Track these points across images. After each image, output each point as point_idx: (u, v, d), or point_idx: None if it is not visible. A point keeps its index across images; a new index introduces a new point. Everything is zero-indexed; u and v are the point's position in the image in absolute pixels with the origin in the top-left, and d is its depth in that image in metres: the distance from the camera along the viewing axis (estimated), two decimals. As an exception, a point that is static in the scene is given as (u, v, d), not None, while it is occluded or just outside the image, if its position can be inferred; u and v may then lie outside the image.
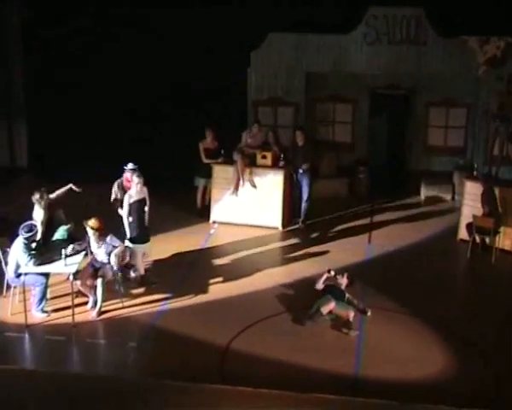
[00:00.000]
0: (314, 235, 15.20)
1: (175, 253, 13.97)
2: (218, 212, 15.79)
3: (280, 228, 15.49)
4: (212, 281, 12.77)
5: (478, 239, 14.15)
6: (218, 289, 12.46)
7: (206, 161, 15.90)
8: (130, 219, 12.20)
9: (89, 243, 11.64)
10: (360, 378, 9.85)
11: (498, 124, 14.84)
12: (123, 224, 12.29)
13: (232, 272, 13.13)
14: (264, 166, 15.54)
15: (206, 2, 17.21)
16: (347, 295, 11.43)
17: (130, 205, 12.20)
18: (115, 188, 13.16)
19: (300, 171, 15.53)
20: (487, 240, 14.06)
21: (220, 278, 12.91)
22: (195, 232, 15.26)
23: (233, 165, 15.50)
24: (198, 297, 12.11)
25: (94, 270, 11.46)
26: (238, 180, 15.47)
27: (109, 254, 11.43)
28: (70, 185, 12.76)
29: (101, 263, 11.50)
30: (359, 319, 11.18)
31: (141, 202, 12.31)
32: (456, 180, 17.38)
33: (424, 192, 17.69)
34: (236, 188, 15.51)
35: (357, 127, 19.06)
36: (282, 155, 15.52)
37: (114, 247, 11.53)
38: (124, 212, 12.27)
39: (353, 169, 18.31)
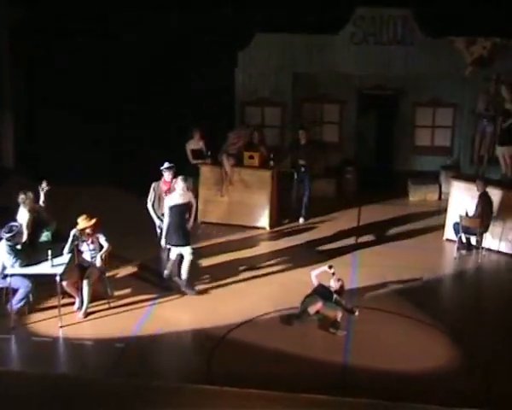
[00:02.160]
0: (302, 235, 15.20)
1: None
2: (205, 212, 15.77)
3: (267, 228, 15.49)
4: (199, 281, 12.75)
5: (464, 239, 14.21)
6: (204, 289, 12.45)
7: (193, 162, 15.87)
8: (168, 221, 11.97)
9: (77, 242, 11.53)
10: (348, 378, 9.87)
11: (485, 124, 14.89)
12: (155, 227, 12.34)
13: (219, 273, 13.11)
14: (252, 167, 15.55)
15: (193, 3, 17.18)
16: (335, 295, 11.44)
17: (171, 208, 11.94)
18: (152, 189, 12.75)
19: (303, 169, 15.69)
20: (473, 240, 14.12)
21: (207, 279, 12.89)
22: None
23: (220, 165, 15.51)
24: (185, 298, 12.10)
25: (81, 270, 11.42)
26: (225, 181, 15.48)
27: (97, 254, 11.40)
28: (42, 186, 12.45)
29: (89, 263, 11.45)
30: (347, 319, 11.19)
31: (182, 206, 12.06)
32: (442, 180, 17.43)
33: (411, 192, 17.72)
34: (223, 188, 15.51)
35: (345, 127, 19.08)
36: (271, 156, 15.54)
37: (102, 247, 11.49)
38: (165, 214, 12.07)
39: (341, 169, 18.33)
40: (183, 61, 17.66)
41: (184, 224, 12.13)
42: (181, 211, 12.02)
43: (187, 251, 12.08)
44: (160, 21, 17.46)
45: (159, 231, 12.59)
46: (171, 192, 12.34)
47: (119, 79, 17.76)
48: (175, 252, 12.18)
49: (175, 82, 17.75)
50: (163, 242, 12.18)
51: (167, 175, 12.71)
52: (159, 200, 12.61)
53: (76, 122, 18.01)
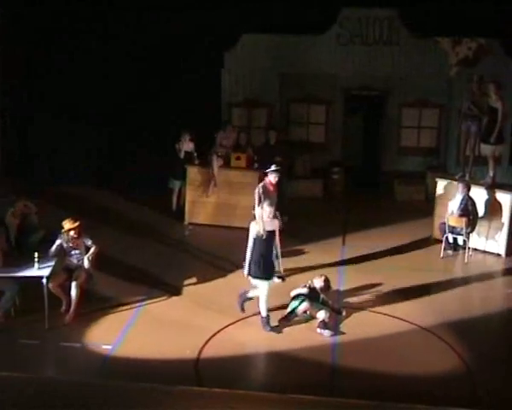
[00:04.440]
0: (289, 235, 15.19)
1: (151, 254, 13.94)
2: (192, 213, 15.77)
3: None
4: (187, 282, 12.75)
5: (451, 239, 14.27)
6: (193, 291, 12.44)
7: (182, 157, 15.83)
8: (251, 250, 10.84)
9: (63, 244, 11.50)
10: (336, 378, 9.89)
11: (470, 124, 14.96)
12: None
13: (207, 274, 13.11)
14: (239, 168, 15.56)
15: (179, 4, 17.15)
16: (322, 295, 11.47)
17: (258, 237, 10.78)
18: (258, 192, 12.24)
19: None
20: (460, 239, 14.19)
21: (195, 279, 12.88)
22: (171, 234, 15.25)
23: (207, 166, 15.52)
24: (173, 299, 12.08)
25: (68, 273, 11.37)
26: (212, 182, 15.49)
27: (84, 257, 11.36)
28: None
29: (76, 265, 11.41)
30: (334, 320, 11.21)
31: (267, 235, 10.80)
32: (429, 180, 17.49)
33: (397, 192, 17.78)
34: (211, 189, 15.52)
35: (332, 128, 19.12)
36: (255, 157, 15.58)
37: (89, 249, 11.46)
38: (249, 242, 10.87)
39: (327, 170, 18.36)
40: (169, 63, 17.61)
41: (268, 254, 10.92)
42: (265, 240, 10.81)
43: (264, 287, 10.90)
44: (145, 22, 17.42)
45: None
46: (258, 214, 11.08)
47: (104, 81, 17.70)
48: (265, 286, 10.93)
49: (160, 83, 17.70)
50: (245, 271, 11.02)
51: (273, 177, 12.47)
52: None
53: (63, 124, 18.00)
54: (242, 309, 11.30)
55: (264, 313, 10.98)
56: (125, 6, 17.13)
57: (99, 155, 18.29)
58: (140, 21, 17.47)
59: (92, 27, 17.61)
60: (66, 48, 17.70)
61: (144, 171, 16.61)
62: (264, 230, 10.69)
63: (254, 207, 11.90)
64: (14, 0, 17.62)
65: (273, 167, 12.58)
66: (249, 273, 10.92)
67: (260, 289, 10.93)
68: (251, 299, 11.24)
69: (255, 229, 10.79)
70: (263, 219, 10.76)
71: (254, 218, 11.17)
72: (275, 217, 11.14)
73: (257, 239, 10.76)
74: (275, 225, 11.01)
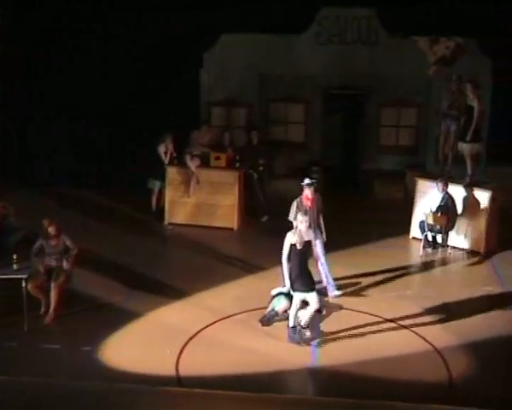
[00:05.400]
0: (269, 235, 15.20)
1: (131, 254, 13.90)
2: (173, 214, 15.74)
3: (235, 228, 15.50)
4: (167, 282, 12.71)
5: (430, 237, 14.35)
6: (174, 291, 12.41)
7: (167, 163, 15.77)
8: (290, 265, 10.52)
9: (43, 245, 11.43)
10: (317, 376, 9.91)
11: (449, 123, 15.05)
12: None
13: (187, 274, 13.09)
14: (218, 168, 15.55)
15: (157, 3, 17.11)
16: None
17: (291, 247, 10.47)
18: (294, 207, 11.70)
19: (261, 168, 15.95)
20: (439, 238, 14.26)
21: (176, 280, 12.85)
22: (151, 234, 15.24)
23: (186, 166, 15.51)
24: (153, 299, 12.03)
25: (47, 273, 11.30)
26: (193, 181, 15.47)
27: (63, 257, 11.30)
28: None
29: (55, 266, 11.34)
30: (315, 319, 11.22)
31: (304, 245, 10.46)
32: (408, 179, 17.57)
33: (377, 191, 17.85)
34: (192, 188, 15.50)
35: (311, 128, 19.15)
36: (237, 157, 15.58)
37: (69, 249, 11.39)
38: (283, 256, 10.54)
39: (307, 169, 18.38)
40: (148, 62, 17.57)
41: (307, 265, 10.63)
42: (303, 251, 10.52)
43: (312, 298, 10.57)
44: (125, 21, 17.37)
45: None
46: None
47: (87, 83, 17.65)
48: (298, 298, 10.60)
49: (140, 82, 17.64)
50: (287, 287, 10.69)
51: (309, 192, 11.71)
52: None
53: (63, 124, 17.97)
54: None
55: (303, 323, 10.63)
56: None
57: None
58: (120, 20, 17.42)
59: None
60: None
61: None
62: (301, 240, 10.40)
63: (289, 217, 11.58)
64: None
65: (307, 181, 11.78)
66: (294, 289, 10.50)
67: (310, 302, 10.53)
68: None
69: (291, 239, 10.45)
70: (300, 230, 10.44)
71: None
72: (312, 228, 10.86)
73: (293, 251, 10.44)
74: (311, 235, 10.63)
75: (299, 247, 10.38)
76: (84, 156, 18.03)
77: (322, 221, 11.87)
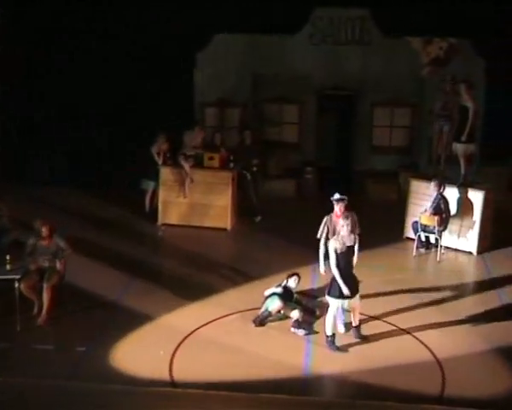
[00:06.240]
0: (263, 235, 15.23)
1: (124, 254, 13.88)
2: (166, 214, 15.72)
3: (228, 228, 15.50)
4: (161, 283, 12.70)
5: (423, 237, 14.37)
6: (167, 291, 12.39)
7: (160, 163, 15.74)
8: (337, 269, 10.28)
9: (35, 246, 11.38)
10: (310, 377, 9.90)
11: (442, 123, 15.07)
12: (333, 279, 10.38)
13: (180, 274, 13.08)
14: (212, 168, 15.53)
15: (151, 2, 17.11)
16: (296, 295, 11.49)
17: (337, 253, 10.27)
18: (323, 224, 11.25)
19: (255, 168, 15.91)
20: (432, 238, 14.28)
21: (169, 280, 12.84)
22: (145, 235, 15.22)
23: (180, 167, 15.49)
24: (145, 300, 12.00)
25: (40, 274, 11.27)
26: (187, 181, 15.45)
27: (55, 258, 11.27)
28: None
29: (47, 267, 11.30)
30: (308, 319, 11.22)
31: (347, 249, 10.32)
32: (401, 179, 17.59)
33: (370, 191, 17.86)
34: (187, 189, 15.48)
35: (305, 128, 19.15)
36: (231, 157, 15.58)
37: (61, 250, 11.36)
38: (332, 263, 10.33)
39: (300, 169, 18.40)
40: (141, 62, 17.55)
41: (351, 270, 10.50)
42: (346, 256, 10.35)
43: (357, 301, 10.54)
44: (118, 20, 17.35)
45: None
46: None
47: (77, 82, 17.61)
48: (339, 304, 10.48)
49: (133, 83, 17.61)
50: (345, 291, 10.29)
51: (339, 208, 11.09)
52: (333, 234, 10.81)
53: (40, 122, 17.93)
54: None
55: (329, 332, 10.47)
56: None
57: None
58: (112, 18, 17.41)
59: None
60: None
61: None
62: (343, 245, 10.26)
63: (318, 235, 11.32)
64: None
65: (337, 196, 11.21)
66: (339, 296, 10.31)
67: (354, 305, 10.50)
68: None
69: (334, 245, 10.29)
70: (342, 235, 10.32)
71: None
72: (353, 233, 10.52)
73: (336, 257, 10.27)
74: (352, 240, 10.44)
75: (340, 252, 10.27)
76: (84, 156, 17.93)
77: (357, 246, 10.68)
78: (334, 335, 10.47)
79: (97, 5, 17.23)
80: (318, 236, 11.24)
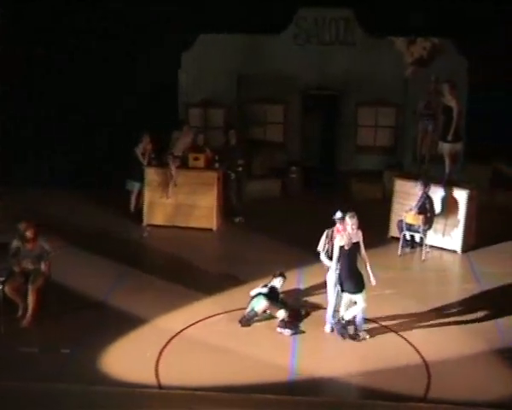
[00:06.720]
0: (249, 235, 15.22)
1: (110, 255, 13.82)
2: (151, 215, 15.68)
3: (214, 229, 15.48)
4: (147, 284, 12.67)
5: (408, 236, 14.41)
6: (153, 292, 12.36)
7: (145, 164, 15.69)
8: (339, 266, 10.71)
9: (19, 248, 11.32)
10: (296, 377, 9.91)
11: (426, 123, 15.13)
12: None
13: (167, 275, 13.05)
14: (197, 168, 15.52)
15: (136, 1, 17.09)
16: (281, 295, 11.51)
17: (341, 250, 10.62)
18: (324, 238, 11.32)
19: (240, 168, 15.89)
20: (417, 237, 14.33)
21: (155, 281, 12.81)
22: (130, 236, 15.18)
23: (165, 167, 15.46)
24: (131, 301, 11.97)
25: (24, 276, 11.21)
26: (172, 182, 15.42)
27: (40, 260, 11.21)
28: None
29: (32, 269, 11.25)
30: (294, 319, 11.23)
31: (352, 247, 10.66)
32: (386, 179, 17.63)
33: (355, 191, 17.90)
34: (171, 190, 15.45)
35: (290, 128, 19.15)
36: (216, 157, 15.57)
37: (46, 252, 11.31)
38: (334, 258, 10.76)
39: (285, 169, 18.41)
40: (126, 62, 17.50)
41: (356, 267, 10.80)
42: (352, 252, 10.69)
43: (361, 298, 10.73)
44: (101, 18, 17.31)
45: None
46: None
47: (66, 83, 17.56)
48: (348, 298, 10.79)
49: (117, 83, 17.55)
50: (338, 288, 10.79)
51: (341, 226, 11.01)
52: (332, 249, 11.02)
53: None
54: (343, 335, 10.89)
55: (347, 317, 10.82)
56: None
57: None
58: (97, 15, 17.36)
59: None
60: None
61: (100, 171, 16.36)
62: (349, 242, 10.55)
63: (318, 247, 11.41)
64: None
65: (339, 215, 11.12)
66: (344, 290, 10.71)
67: (358, 302, 10.70)
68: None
69: (340, 242, 10.62)
70: (348, 232, 10.58)
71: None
72: (359, 229, 10.74)
73: (342, 253, 10.63)
74: (359, 236, 10.74)
75: (347, 248, 10.56)
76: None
77: (368, 267, 10.91)
78: (349, 321, 10.81)
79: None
80: (319, 249, 11.38)
